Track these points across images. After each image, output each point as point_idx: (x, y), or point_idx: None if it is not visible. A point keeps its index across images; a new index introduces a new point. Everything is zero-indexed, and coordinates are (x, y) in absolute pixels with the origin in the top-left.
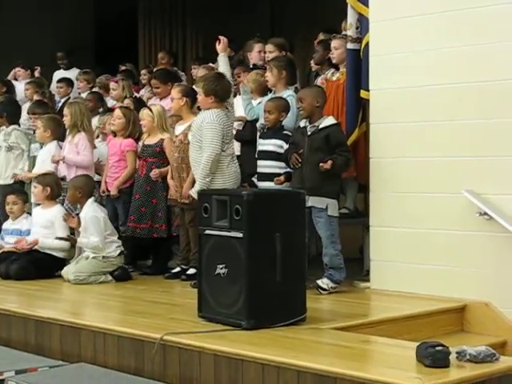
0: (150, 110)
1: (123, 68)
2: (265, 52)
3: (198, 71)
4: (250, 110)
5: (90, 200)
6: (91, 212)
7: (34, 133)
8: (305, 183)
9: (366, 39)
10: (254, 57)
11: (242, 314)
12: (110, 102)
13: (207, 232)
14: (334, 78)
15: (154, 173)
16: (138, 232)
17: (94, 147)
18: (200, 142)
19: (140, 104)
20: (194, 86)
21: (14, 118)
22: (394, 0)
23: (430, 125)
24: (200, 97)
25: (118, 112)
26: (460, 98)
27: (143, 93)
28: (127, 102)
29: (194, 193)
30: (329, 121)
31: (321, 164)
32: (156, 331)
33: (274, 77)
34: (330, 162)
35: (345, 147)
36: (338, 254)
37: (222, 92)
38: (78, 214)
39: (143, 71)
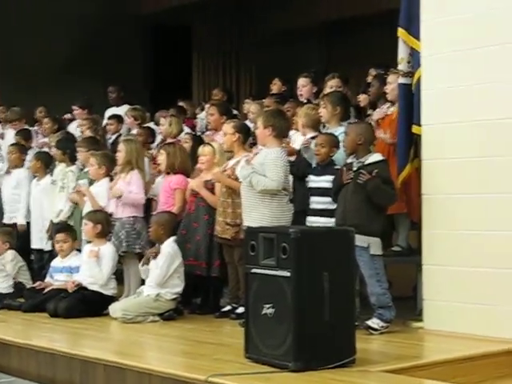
0: (212, 146)
1: (181, 104)
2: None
3: (251, 107)
4: None
5: (172, 238)
6: (169, 248)
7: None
8: (346, 220)
9: (418, 73)
10: (304, 92)
11: (289, 355)
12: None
13: (254, 271)
14: (389, 113)
15: None
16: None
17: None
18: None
19: (198, 140)
20: (246, 122)
21: (74, 157)
22: (446, 33)
23: (483, 160)
24: (258, 130)
25: (160, 150)
26: None
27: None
28: (186, 137)
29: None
30: (376, 157)
31: (360, 174)
32: (201, 372)
33: (328, 113)
34: (368, 176)
35: (391, 185)
36: (385, 292)
37: (279, 126)
38: None
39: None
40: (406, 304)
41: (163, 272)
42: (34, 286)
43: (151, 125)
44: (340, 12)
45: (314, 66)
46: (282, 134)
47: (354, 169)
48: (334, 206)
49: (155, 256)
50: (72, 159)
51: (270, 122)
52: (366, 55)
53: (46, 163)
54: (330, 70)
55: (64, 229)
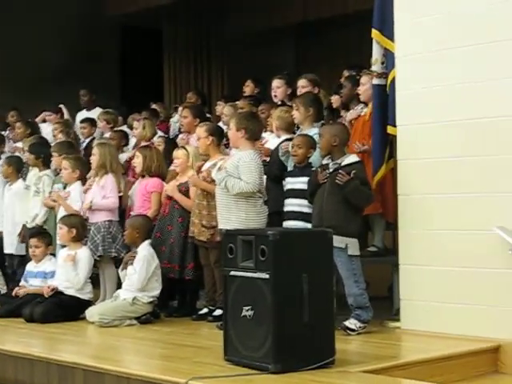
0: (186, 149)
1: (153, 107)
2: (293, 88)
3: (224, 109)
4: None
5: (147, 241)
6: (145, 252)
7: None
8: (324, 222)
9: (392, 74)
10: (279, 93)
11: (268, 357)
12: (133, 141)
13: (232, 273)
14: (362, 114)
15: None
16: None
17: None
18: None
19: (171, 143)
20: (220, 124)
21: (48, 161)
22: (420, 34)
23: (458, 160)
24: (231, 132)
25: (136, 153)
26: (489, 133)
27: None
28: (159, 140)
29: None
30: (352, 158)
31: (339, 175)
32: (181, 375)
33: (301, 114)
34: (347, 177)
35: (368, 185)
36: (362, 292)
37: (252, 128)
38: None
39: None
40: (382, 304)
41: (142, 276)
42: (13, 292)
43: (124, 128)
44: (313, 13)
45: (286, 67)
46: (254, 136)
47: (330, 170)
48: (310, 210)
49: (133, 261)
50: (46, 164)
51: (242, 125)
52: (340, 56)
53: (17, 168)
54: (302, 71)
55: (37, 234)
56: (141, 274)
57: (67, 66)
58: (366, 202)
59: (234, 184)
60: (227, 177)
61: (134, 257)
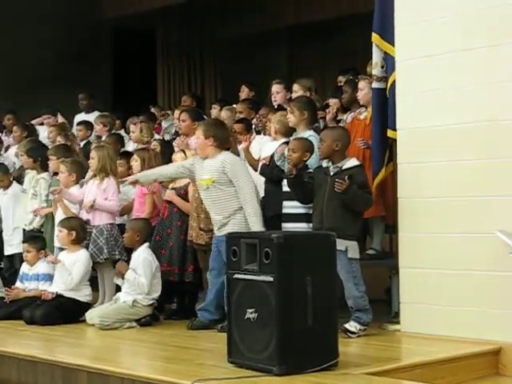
0: (184, 152)
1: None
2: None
3: (222, 113)
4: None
5: (146, 244)
6: (145, 254)
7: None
8: (324, 224)
9: (392, 78)
10: (278, 98)
11: (272, 359)
12: (132, 145)
13: (236, 276)
14: (362, 117)
15: None
16: None
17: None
18: (222, 185)
19: (167, 146)
20: None
21: (45, 164)
22: (420, 38)
23: (459, 164)
24: (199, 140)
25: (134, 156)
26: (489, 137)
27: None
28: (154, 143)
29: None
30: (352, 162)
31: (337, 183)
32: (186, 377)
33: (296, 117)
34: (346, 183)
35: (367, 189)
36: (362, 295)
37: (221, 136)
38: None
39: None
40: (380, 307)
41: (148, 279)
42: (8, 295)
43: (122, 132)
44: (306, 16)
45: (279, 70)
46: (222, 144)
47: (331, 173)
48: (305, 210)
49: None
50: (43, 167)
51: (211, 133)
52: (333, 59)
53: (5, 172)
54: (295, 74)
55: (29, 239)
56: (146, 277)
57: (59, 68)
58: (365, 207)
59: (253, 205)
60: (253, 224)
61: (123, 272)
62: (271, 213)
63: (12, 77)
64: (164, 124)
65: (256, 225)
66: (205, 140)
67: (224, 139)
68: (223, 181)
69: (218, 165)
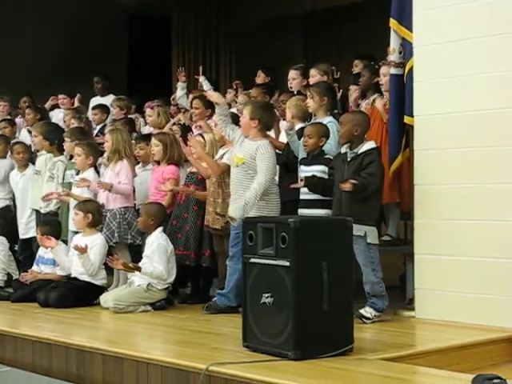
0: (203, 137)
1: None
2: (307, 78)
3: (239, 97)
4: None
5: (159, 229)
6: (160, 240)
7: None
8: (342, 210)
9: (409, 64)
10: (294, 85)
11: (288, 344)
12: (147, 129)
13: (252, 260)
14: (377, 104)
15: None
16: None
17: (135, 175)
18: (249, 170)
19: (187, 130)
20: (232, 110)
21: (62, 147)
22: (438, 24)
23: (475, 151)
24: (243, 119)
25: (153, 140)
26: (507, 123)
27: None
28: (175, 128)
29: (233, 212)
30: (368, 145)
31: (343, 186)
32: (201, 361)
33: (315, 103)
34: (348, 185)
35: (371, 169)
36: (379, 281)
37: (266, 119)
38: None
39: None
40: (394, 293)
41: (164, 265)
42: (26, 278)
43: (134, 116)
44: (322, 2)
45: (294, 56)
46: (266, 127)
47: (348, 159)
48: (320, 196)
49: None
50: (60, 149)
51: (257, 115)
52: (348, 46)
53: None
54: (310, 60)
55: (44, 223)
56: (163, 264)
57: (75, 56)
58: (374, 189)
59: (255, 193)
60: (245, 205)
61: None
62: (286, 198)
63: (29, 65)
64: (178, 92)
65: (244, 208)
66: (249, 120)
67: (268, 123)
68: (252, 165)
69: (253, 150)
